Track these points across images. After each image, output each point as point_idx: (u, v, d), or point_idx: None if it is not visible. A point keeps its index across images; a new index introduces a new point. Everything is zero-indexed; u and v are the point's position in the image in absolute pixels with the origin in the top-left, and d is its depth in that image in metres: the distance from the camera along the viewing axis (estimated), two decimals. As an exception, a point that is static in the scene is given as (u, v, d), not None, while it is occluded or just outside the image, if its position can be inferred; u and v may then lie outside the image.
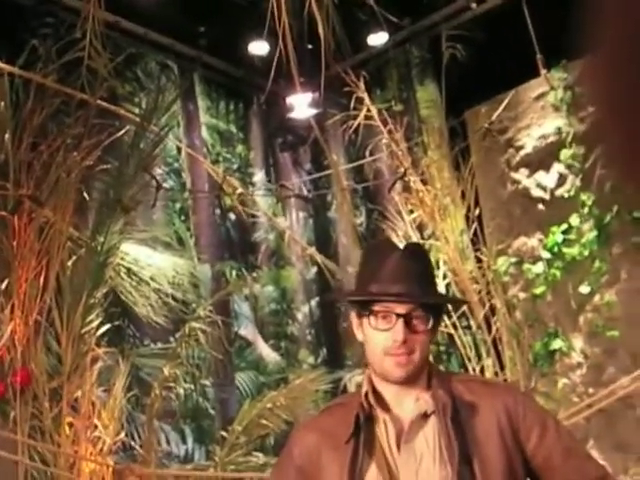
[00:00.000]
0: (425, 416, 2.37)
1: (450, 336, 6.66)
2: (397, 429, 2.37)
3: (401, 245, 2.53)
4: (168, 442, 7.00)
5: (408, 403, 2.39)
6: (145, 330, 7.05)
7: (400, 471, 2.32)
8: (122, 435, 6.21)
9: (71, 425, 5.87)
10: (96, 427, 6.01)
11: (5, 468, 5.60)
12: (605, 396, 6.07)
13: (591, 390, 6.42)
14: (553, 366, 6.62)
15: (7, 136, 5.81)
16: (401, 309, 2.33)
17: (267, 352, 8.28)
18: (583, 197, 6.54)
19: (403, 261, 2.37)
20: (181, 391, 7.09)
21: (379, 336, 2.36)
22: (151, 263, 7.18)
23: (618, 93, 0.83)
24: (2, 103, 5.87)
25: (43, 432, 5.75)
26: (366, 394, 2.41)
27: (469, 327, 6.59)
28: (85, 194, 6.35)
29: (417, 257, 2.44)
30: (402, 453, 2.34)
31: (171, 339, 7.14)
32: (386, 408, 2.41)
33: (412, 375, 2.37)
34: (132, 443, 6.53)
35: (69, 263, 6.06)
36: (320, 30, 4.71)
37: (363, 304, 2.41)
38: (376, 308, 2.37)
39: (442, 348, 7.16)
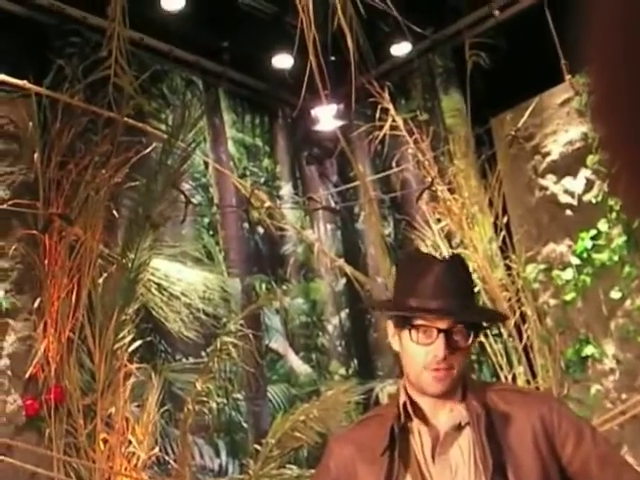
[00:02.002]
0: (460, 427, 2.38)
1: (481, 344, 6.64)
2: (432, 440, 2.37)
3: (440, 257, 2.52)
4: (202, 456, 7.01)
5: (443, 414, 2.40)
6: (177, 345, 7.08)
7: (434, 480, 2.33)
8: (156, 450, 6.24)
9: (105, 441, 5.90)
10: (130, 442, 6.04)
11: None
12: (639, 402, 6.04)
13: (624, 396, 6.38)
14: (585, 372, 6.58)
15: (36, 155, 5.87)
16: (443, 324, 2.32)
17: (298, 364, 8.29)
18: (611, 202, 6.51)
19: (445, 275, 2.35)
20: (214, 405, 7.11)
21: (419, 350, 2.35)
22: (181, 278, 7.20)
23: (613, 104, 0.84)
24: (30, 123, 5.93)
25: (78, 448, 5.79)
26: (404, 404, 2.41)
27: (500, 335, 6.58)
28: (114, 211, 6.40)
29: (459, 271, 2.43)
30: (437, 464, 2.34)
31: (203, 354, 7.16)
32: (422, 419, 2.41)
33: (449, 388, 2.37)
34: (166, 458, 6.55)
35: (100, 280, 6.10)
36: (346, 41, 4.72)
37: (403, 317, 2.40)
38: (417, 322, 2.36)
39: (473, 357, 7.14)
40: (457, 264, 2.49)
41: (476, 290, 2.39)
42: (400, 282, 2.50)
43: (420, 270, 2.40)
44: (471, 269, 6.53)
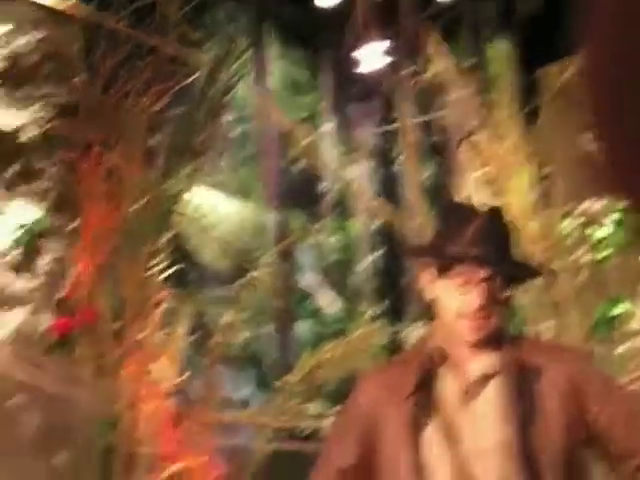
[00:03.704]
0: (489, 377, 2.37)
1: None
2: (461, 387, 2.38)
3: (481, 208, 2.51)
4: (227, 388, 7.07)
5: (474, 362, 2.39)
6: (208, 276, 7.12)
7: (461, 429, 2.33)
8: (182, 378, 6.29)
9: (133, 366, 5.96)
10: (157, 369, 6.09)
11: (69, 404, 5.71)
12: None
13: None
14: (614, 332, 6.55)
15: (79, 79, 5.87)
16: (482, 273, 2.31)
17: (328, 302, 8.32)
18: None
19: (486, 225, 2.34)
20: (242, 337, 7.15)
21: (456, 298, 2.34)
22: (217, 209, 7.22)
23: (603, 95, 0.83)
24: (75, 47, 5.92)
25: (106, 372, 5.86)
26: (434, 350, 2.41)
27: (532, 288, 6.55)
28: (154, 139, 6.40)
29: (499, 222, 2.42)
30: (464, 412, 2.35)
31: (233, 286, 7.19)
32: (451, 366, 2.40)
33: (485, 338, 2.36)
34: (192, 387, 6.61)
35: (135, 207, 6.12)
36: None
37: (442, 263, 2.39)
38: (456, 270, 2.34)
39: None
40: (498, 215, 2.48)
41: (514, 243, 2.36)
42: (440, 228, 2.48)
43: (461, 218, 2.39)
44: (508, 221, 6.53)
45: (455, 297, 2.36)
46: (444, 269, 2.39)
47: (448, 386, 2.40)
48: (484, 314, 2.33)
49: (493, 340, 2.42)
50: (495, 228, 2.38)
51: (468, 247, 2.33)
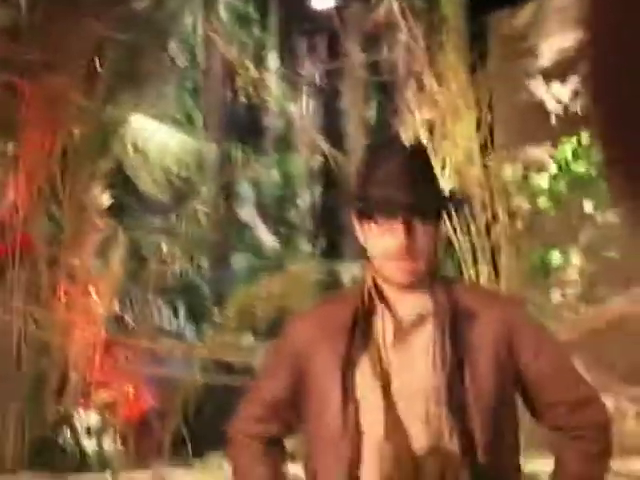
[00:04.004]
0: (423, 318, 2.38)
1: (448, 240, 6.66)
2: (395, 327, 2.37)
3: (401, 145, 2.47)
4: (161, 317, 7.06)
5: (408, 303, 2.38)
6: (146, 206, 7.06)
7: (393, 369, 2.34)
8: (116, 307, 6.27)
9: (67, 293, 5.92)
10: (91, 297, 6.07)
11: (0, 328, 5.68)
12: (596, 314, 6.12)
13: (583, 307, 6.45)
14: (548, 279, 6.63)
15: (22, 0, 5.74)
16: (402, 215, 2.30)
17: (265, 237, 8.30)
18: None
19: (405, 164, 2.31)
20: (177, 268, 7.13)
21: (380, 241, 2.33)
22: (158, 139, 7.14)
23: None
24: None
25: (39, 298, 5.81)
26: (369, 289, 2.40)
27: (469, 232, 6.59)
28: (97, 64, 6.29)
29: (419, 159, 2.38)
30: (397, 352, 2.35)
31: (172, 217, 7.15)
32: (386, 305, 2.40)
33: (414, 279, 2.36)
34: (125, 315, 6.59)
35: (76, 132, 6.04)
36: None
37: (364, 208, 2.37)
38: (377, 212, 2.33)
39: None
40: (419, 152, 2.45)
41: (437, 177, 2.31)
42: (363, 171, 2.45)
43: (382, 159, 2.36)
44: (448, 163, 6.55)
45: (379, 240, 2.33)
46: (365, 212, 2.37)
47: (382, 326, 2.40)
48: (410, 255, 2.30)
49: (425, 281, 2.41)
50: (415, 165, 2.35)
51: (388, 188, 2.31)
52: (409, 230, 2.26)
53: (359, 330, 2.34)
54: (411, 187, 2.27)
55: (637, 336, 6.22)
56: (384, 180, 2.28)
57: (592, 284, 6.49)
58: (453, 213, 6.01)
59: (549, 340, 2.44)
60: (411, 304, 2.35)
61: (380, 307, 2.36)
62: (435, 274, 2.40)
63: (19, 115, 5.73)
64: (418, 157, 2.38)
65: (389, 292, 2.36)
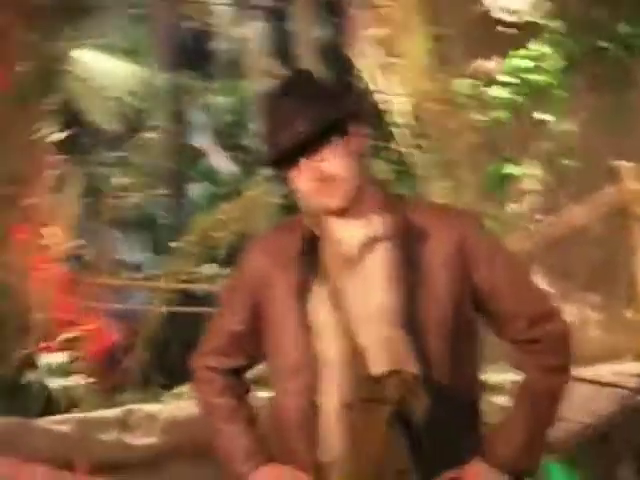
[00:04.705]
0: (375, 240, 2.36)
1: (401, 156, 6.65)
2: (346, 252, 2.36)
3: (283, 81, 2.43)
4: (121, 251, 7.03)
5: (358, 227, 2.37)
6: (99, 138, 6.99)
7: (347, 293, 2.33)
8: (75, 243, 6.23)
9: (23, 233, 5.86)
10: (49, 235, 6.02)
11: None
12: (554, 224, 6.15)
13: (541, 217, 6.47)
14: (505, 191, 6.64)
15: None
16: (306, 155, 2.27)
17: (221, 163, 8.25)
18: (553, 24, 6.43)
19: (286, 100, 2.28)
20: (133, 200, 7.08)
21: (298, 184, 2.31)
22: (107, 70, 7.04)
23: None
24: None
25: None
26: (311, 218, 2.38)
27: (420, 147, 6.57)
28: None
29: (299, 87, 2.35)
30: (349, 276, 2.34)
31: (125, 148, 7.08)
32: (334, 230, 2.39)
33: (352, 201, 2.33)
34: (84, 252, 6.55)
35: (22, 69, 5.93)
36: None
37: (268, 163, 2.38)
38: (276, 164, 2.32)
39: (393, 167, 7.09)
40: (297, 81, 2.40)
41: (330, 94, 2.24)
42: (264, 120, 2.44)
43: (270, 106, 2.34)
44: (401, 80, 6.50)
45: (298, 183, 2.32)
46: (275, 164, 2.37)
47: (334, 250, 2.38)
48: (326, 184, 2.28)
49: (371, 201, 2.39)
50: (296, 96, 2.30)
51: (277, 134, 2.28)
52: (315, 168, 2.23)
53: (307, 259, 2.33)
54: (297, 120, 2.23)
55: (597, 243, 6.28)
56: (273, 127, 2.27)
57: (549, 193, 6.51)
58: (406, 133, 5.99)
59: (503, 252, 2.43)
60: (361, 228, 2.33)
61: (329, 232, 2.35)
62: (380, 194, 2.38)
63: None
64: (297, 86, 2.34)
65: (329, 221, 2.34)
